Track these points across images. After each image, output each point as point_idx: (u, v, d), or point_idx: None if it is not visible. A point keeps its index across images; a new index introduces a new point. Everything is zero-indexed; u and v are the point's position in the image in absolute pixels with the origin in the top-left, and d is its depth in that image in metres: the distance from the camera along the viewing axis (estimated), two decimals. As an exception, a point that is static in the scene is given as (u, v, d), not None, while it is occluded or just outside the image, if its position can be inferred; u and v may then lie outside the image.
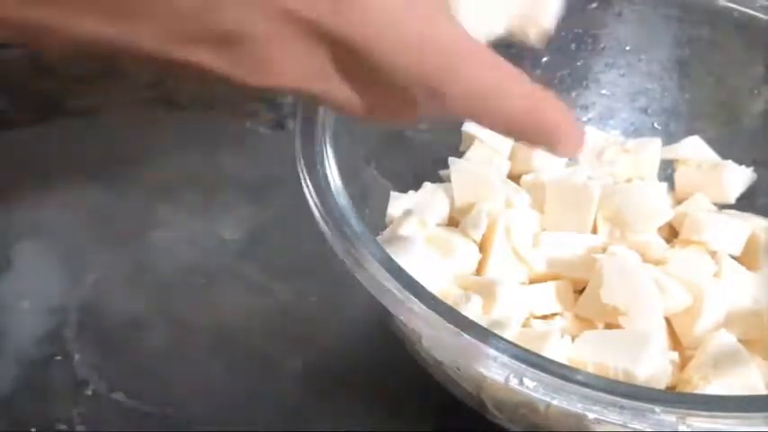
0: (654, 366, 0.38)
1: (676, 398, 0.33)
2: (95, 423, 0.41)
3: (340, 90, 0.30)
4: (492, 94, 0.30)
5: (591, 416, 0.31)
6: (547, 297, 0.43)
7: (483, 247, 0.44)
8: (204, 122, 0.57)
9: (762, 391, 0.38)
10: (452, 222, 0.47)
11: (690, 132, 0.51)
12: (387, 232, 0.44)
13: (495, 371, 0.32)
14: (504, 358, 0.32)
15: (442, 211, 0.47)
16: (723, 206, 0.50)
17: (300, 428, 0.42)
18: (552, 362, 0.32)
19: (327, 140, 0.39)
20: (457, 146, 0.50)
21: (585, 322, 0.42)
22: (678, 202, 0.50)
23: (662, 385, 0.39)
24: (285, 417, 0.42)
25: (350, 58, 0.29)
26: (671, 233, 0.48)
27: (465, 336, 0.32)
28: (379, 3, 0.28)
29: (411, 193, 0.47)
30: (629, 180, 0.50)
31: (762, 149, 0.50)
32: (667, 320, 0.42)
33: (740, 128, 0.51)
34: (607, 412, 0.31)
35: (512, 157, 0.50)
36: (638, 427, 0.31)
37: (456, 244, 0.43)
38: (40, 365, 0.43)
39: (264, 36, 0.28)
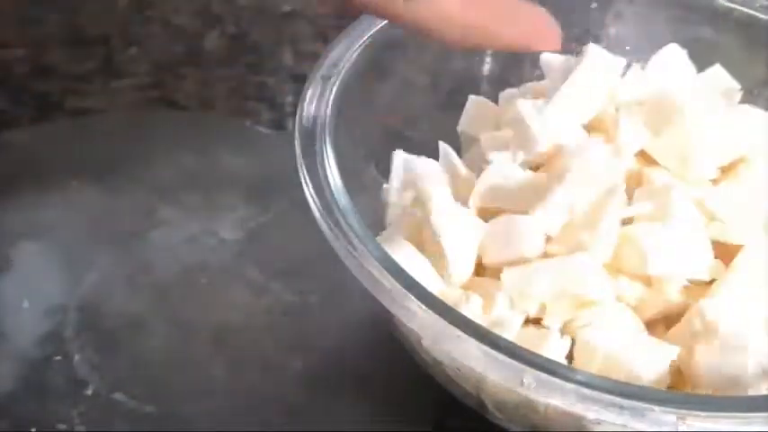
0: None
1: (676, 398, 0.33)
2: (95, 423, 0.41)
3: None
4: None
5: (590, 416, 0.31)
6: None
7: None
8: (204, 122, 0.57)
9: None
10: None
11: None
12: (387, 232, 0.44)
13: (495, 371, 0.32)
14: (505, 358, 0.32)
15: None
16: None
17: (300, 428, 0.42)
18: (552, 362, 0.32)
19: (327, 140, 0.39)
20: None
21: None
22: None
23: (662, 385, 0.39)
24: (285, 417, 0.42)
25: None
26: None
27: (465, 336, 0.32)
28: None
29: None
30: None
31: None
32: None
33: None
34: (606, 412, 0.31)
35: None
36: (638, 426, 0.31)
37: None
38: (39, 365, 0.43)
39: None
